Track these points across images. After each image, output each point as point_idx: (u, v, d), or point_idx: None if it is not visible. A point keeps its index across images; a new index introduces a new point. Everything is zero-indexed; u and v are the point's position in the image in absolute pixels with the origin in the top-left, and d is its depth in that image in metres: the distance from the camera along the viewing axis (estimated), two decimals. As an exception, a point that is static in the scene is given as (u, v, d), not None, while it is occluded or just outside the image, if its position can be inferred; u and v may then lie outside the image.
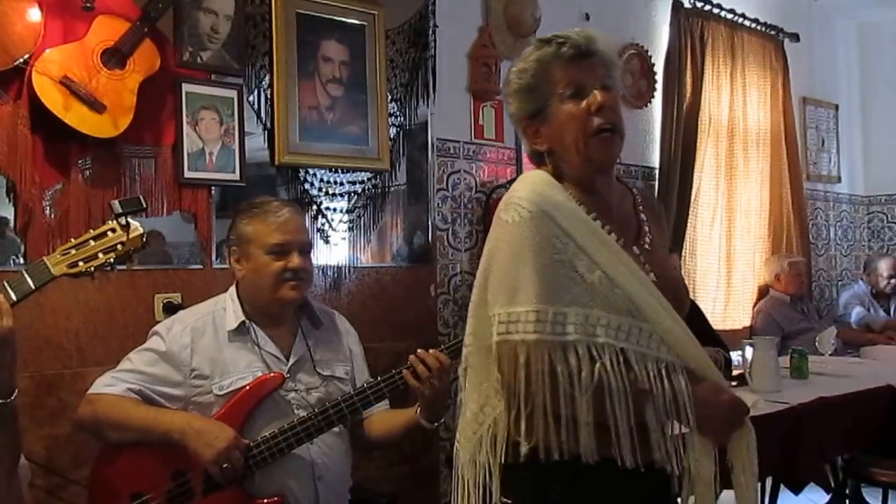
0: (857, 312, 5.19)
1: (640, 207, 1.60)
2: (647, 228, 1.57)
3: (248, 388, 2.00)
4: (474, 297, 1.48)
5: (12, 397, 1.49)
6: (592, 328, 1.36)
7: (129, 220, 1.60)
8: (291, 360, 2.08)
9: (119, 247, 1.58)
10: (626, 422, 1.34)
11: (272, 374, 2.02)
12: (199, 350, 2.03)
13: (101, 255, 1.57)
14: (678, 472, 1.40)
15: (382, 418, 2.20)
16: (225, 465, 1.89)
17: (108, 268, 1.60)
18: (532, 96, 1.52)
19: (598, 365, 1.34)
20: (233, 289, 2.14)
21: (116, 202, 1.60)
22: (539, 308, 1.36)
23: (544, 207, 1.42)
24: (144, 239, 1.63)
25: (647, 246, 1.54)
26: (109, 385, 1.98)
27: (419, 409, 2.05)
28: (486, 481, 1.45)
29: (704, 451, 1.42)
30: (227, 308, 2.10)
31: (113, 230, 1.59)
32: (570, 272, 1.39)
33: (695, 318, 3.99)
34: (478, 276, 1.49)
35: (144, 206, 1.65)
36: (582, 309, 1.37)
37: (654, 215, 1.63)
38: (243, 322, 2.07)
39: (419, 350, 2.02)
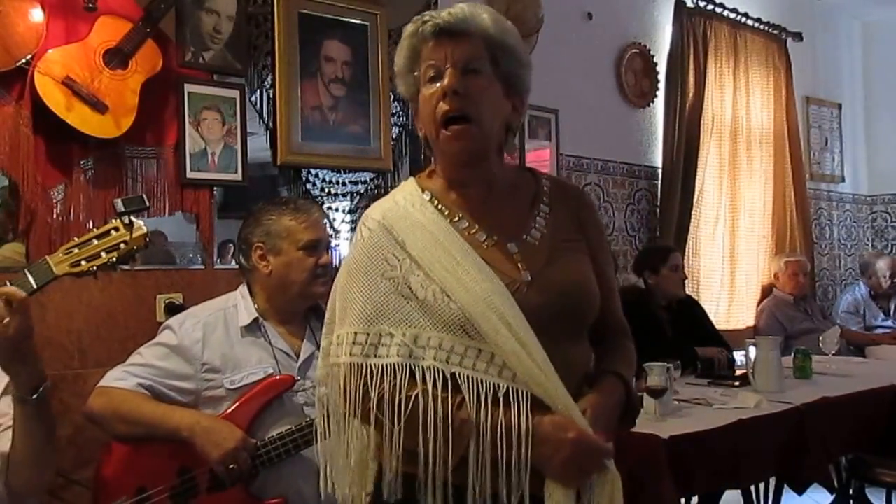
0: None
1: (546, 199, 1.42)
2: (538, 221, 1.38)
3: (258, 388, 2.00)
4: (325, 320, 1.38)
5: (35, 396, 1.54)
6: (421, 350, 1.23)
7: (133, 219, 1.59)
8: (301, 358, 2.09)
9: (122, 246, 1.57)
10: (442, 457, 1.19)
11: (282, 377, 2.02)
12: (211, 344, 2.03)
13: (103, 254, 1.56)
14: None
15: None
16: (232, 466, 1.90)
17: (111, 267, 1.59)
18: (408, 80, 1.39)
19: (417, 391, 1.21)
20: (243, 286, 2.14)
21: (119, 201, 1.58)
22: (358, 329, 1.26)
23: (386, 222, 1.33)
24: (148, 238, 1.62)
25: (533, 241, 1.36)
26: (120, 379, 1.99)
27: None
28: None
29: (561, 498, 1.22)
30: (238, 305, 2.11)
31: (116, 229, 1.57)
32: (403, 289, 1.26)
33: (698, 318, 3.99)
34: (329, 298, 1.41)
35: (147, 205, 1.64)
36: (412, 329, 1.24)
37: (568, 208, 1.43)
38: (256, 319, 2.08)
39: None
